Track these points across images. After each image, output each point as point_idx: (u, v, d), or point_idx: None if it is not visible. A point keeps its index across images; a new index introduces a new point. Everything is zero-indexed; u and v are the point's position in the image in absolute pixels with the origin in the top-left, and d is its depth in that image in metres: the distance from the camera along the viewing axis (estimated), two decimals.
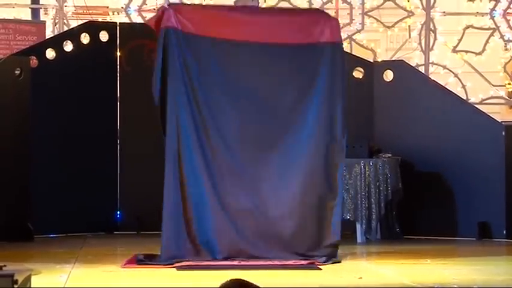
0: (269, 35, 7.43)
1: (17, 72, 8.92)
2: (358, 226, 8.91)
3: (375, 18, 11.71)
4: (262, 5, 11.36)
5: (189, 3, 7.72)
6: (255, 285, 3.81)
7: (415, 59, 11.58)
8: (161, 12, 7.39)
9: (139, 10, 11.47)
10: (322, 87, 7.40)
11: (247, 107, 7.40)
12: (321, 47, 7.42)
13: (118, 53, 9.66)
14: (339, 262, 7.29)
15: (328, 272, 6.93)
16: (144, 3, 11.44)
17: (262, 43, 7.43)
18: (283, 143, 7.39)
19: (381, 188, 8.92)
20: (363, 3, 11.59)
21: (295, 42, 7.44)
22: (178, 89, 7.25)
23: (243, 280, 3.84)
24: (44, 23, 11.35)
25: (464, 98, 10.84)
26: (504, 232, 8.88)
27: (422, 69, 11.20)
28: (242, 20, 7.54)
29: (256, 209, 7.30)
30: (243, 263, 7.09)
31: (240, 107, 7.39)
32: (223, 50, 7.39)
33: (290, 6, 11.57)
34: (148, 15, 11.34)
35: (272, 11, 7.86)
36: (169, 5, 7.50)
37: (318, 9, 9.80)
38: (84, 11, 11.34)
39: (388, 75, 9.62)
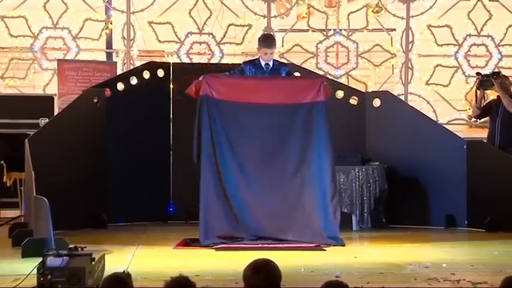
0: (276, 98, 7.23)
1: (95, 100, 8.90)
2: (353, 217, 8.83)
3: (366, 59, 11.67)
4: (280, 49, 11.36)
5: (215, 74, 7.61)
6: (275, 265, 3.78)
7: (397, 90, 11.49)
8: (198, 83, 7.28)
9: (187, 53, 11.47)
10: (318, 132, 7.21)
11: (264, 146, 7.23)
12: (315, 105, 7.22)
13: (171, 86, 9.63)
14: (343, 245, 7.16)
15: (331, 253, 6.84)
16: (190, 48, 11.45)
17: (270, 104, 7.22)
18: (294, 161, 7.24)
19: (371, 188, 8.84)
20: (357, 48, 11.56)
21: (297, 102, 7.23)
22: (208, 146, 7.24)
23: (268, 259, 3.84)
24: (115, 63, 11.35)
25: (435, 119, 10.76)
26: (466, 222, 8.77)
27: (402, 97, 11.14)
28: (255, 87, 7.31)
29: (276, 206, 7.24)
30: (266, 245, 7.00)
31: (258, 145, 7.24)
32: (242, 111, 7.25)
33: (302, 51, 11.57)
34: (194, 57, 11.41)
35: (279, 78, 7.56)
36: (203, 77, 7.33)
37: (316, 76, 9.48)
38: (146, 54, 11.42)
39: (377, 102, 9.53)
